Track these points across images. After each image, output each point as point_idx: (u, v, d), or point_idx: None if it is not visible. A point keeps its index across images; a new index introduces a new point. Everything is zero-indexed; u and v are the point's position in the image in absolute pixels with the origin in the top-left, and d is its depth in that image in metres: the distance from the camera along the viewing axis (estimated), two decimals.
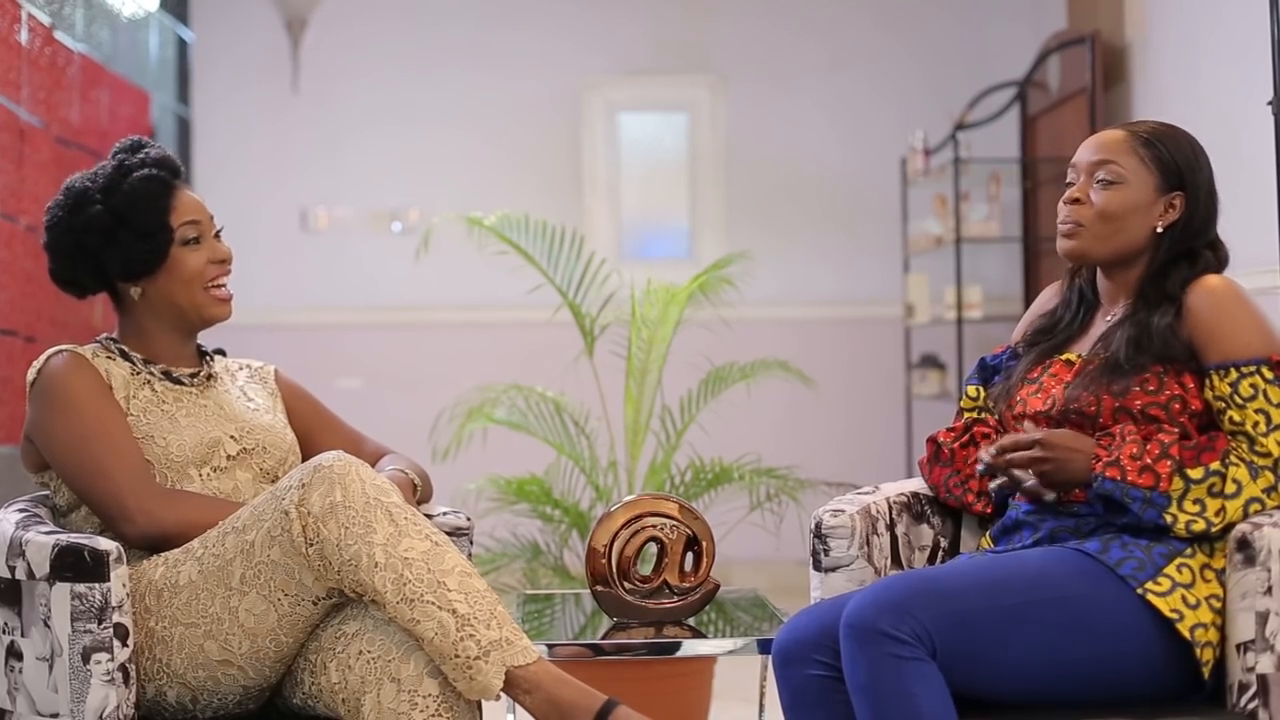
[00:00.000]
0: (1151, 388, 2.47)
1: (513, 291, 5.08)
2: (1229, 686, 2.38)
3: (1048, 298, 2.78)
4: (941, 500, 2.75)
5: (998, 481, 2.55)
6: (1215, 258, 2.58)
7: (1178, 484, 2.39)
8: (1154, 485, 2.39)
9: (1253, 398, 2.42)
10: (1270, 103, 3.60)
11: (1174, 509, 2.38)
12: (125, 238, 2.65)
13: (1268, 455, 2.40)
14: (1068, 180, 2.63)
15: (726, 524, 4.07)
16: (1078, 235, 2.58)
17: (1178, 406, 2.46)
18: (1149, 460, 2.40)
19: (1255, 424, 2.41)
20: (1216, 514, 2.38)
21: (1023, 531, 2.56)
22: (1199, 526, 2.38)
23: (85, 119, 5.46)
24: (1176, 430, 2.44)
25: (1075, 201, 2.58)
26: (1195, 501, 2.38)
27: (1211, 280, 2.52)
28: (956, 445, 2.74)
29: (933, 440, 2.77)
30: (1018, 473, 2.48)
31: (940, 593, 2.31)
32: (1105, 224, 2.56)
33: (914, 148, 6.64)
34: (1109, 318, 2.62)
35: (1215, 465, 2.39)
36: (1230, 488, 2.38)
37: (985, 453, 2.51)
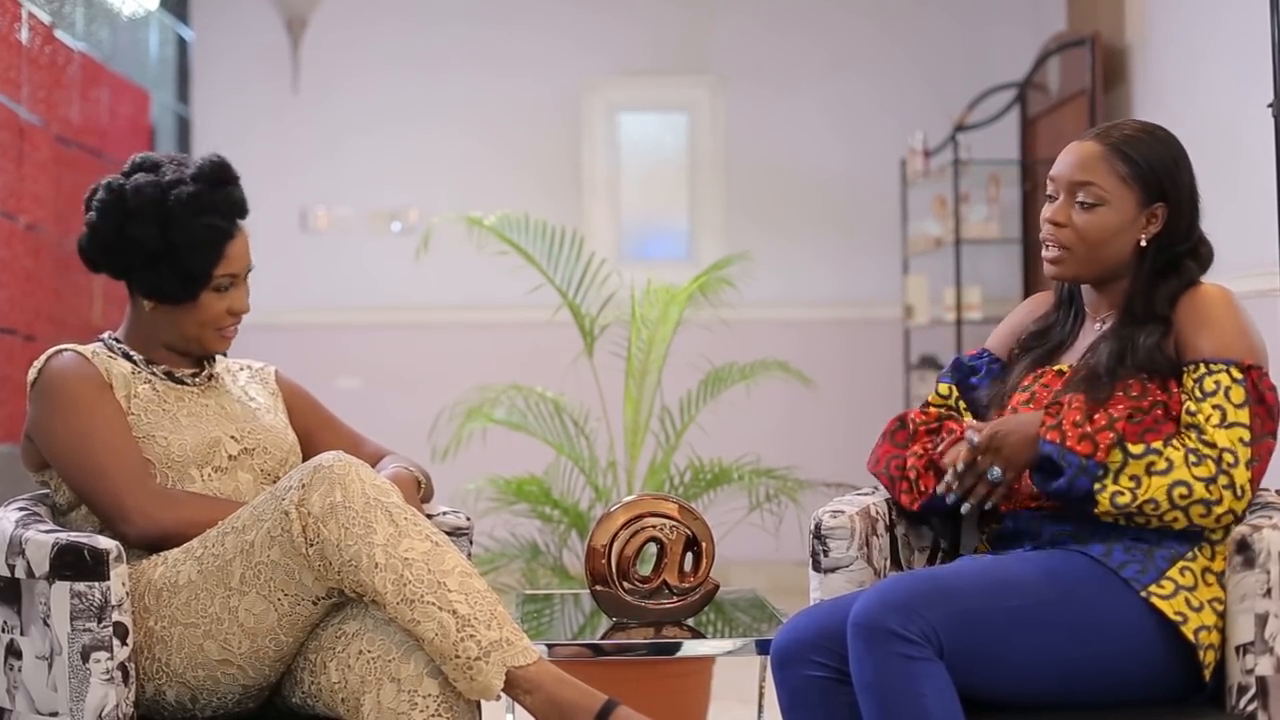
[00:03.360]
0: (1135, 393, 2.46)
1: (512, 292, 5.08)
2: (1228, 688, 2.38)
3: (1032, 307, 2.78)
4: (872, 475, 2.73)
5: (968, 505, 2.54)
6: (1198, 264, 2.56)
7: (1116, 456, 2.38)
8: (1091, 454, 2.38)
9: (1214, 393, 2.41)
10: (1270, 105, 3.60)
11: (1107, 480, 2.37)
12: (167, 270, 2.63)
13: (1213, 446, 2.38)
14: (1048, 193, 2.61)
15: (726, 524, 4.07)
16: (1063, 261, 2.57)
17: (1160, 413, 2.45)
18: (1090, 429, 2.40)
19: (1209, 417, 2.40)
20: (1145, 491, 2.37)
21: (1021, 540, 2.56)
22: (1124, 500, 2.37)
23: (85, 118, 5.46)
24: (1128, 407, 2.44)
25: (1056, 224, 2.57)
26: (1131, 478, 2.37)
27: (1204, 288, 2.52)
28: (923, 429, 2.71)
29: (900, 418, 2.73)
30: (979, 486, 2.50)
31: (947, 592, 2.32)
32: (1089, 248, 2.55)
33: (913, 149, 6.64)
34: (1096, 327, 2.62)
35: (1157, 444, 2.38)
36: (1161, 464, 2.37)
37: (945, 484, 2.52)
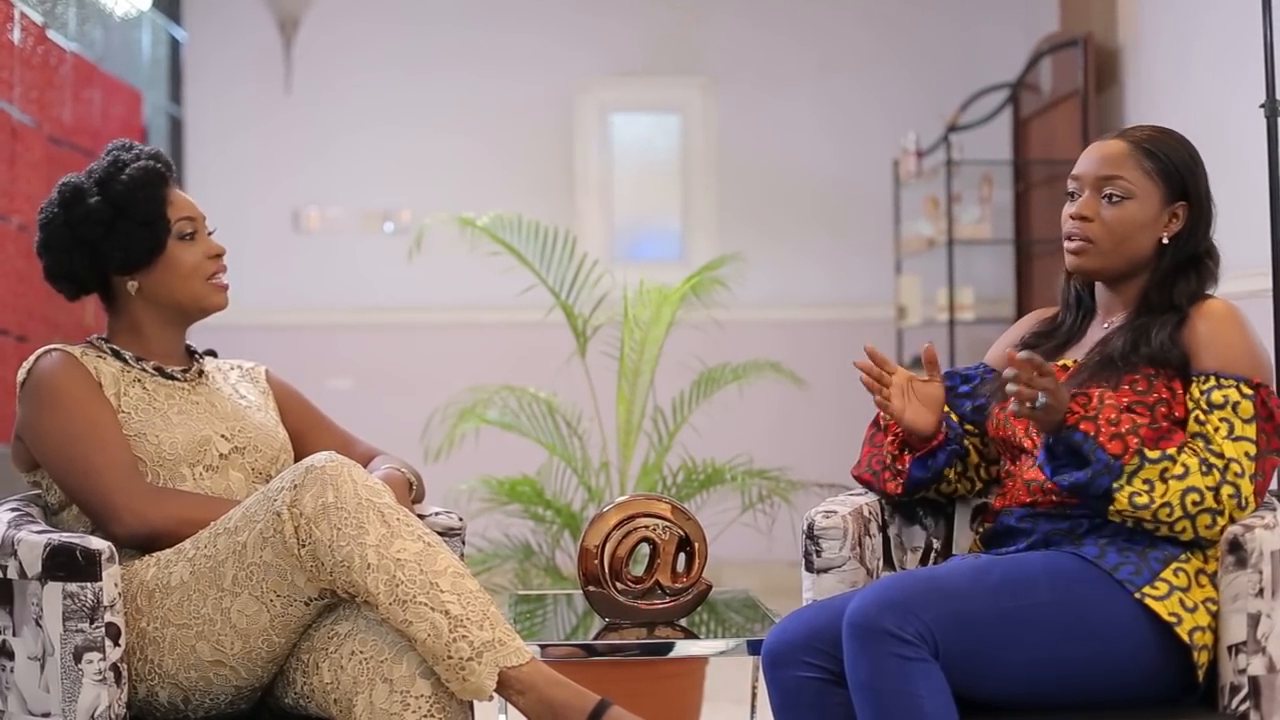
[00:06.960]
0: (1141, 388, 2.48)
1: (505, 292, 5.07)
2: (1220, 688, 2.39)
3: (1031, 323, 2.80)
4: (858, 480, 2.76)
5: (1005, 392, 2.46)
6: (1212, 263, 2.60)
7: (1134, 460, 2.39)
8: (1120, 455, 2.38)
9: (1221, 406, 2.43)
10: (1262, 105, 3.61)
11: (1123, 481, 2.38)
12: (125, 226, 2.65)
13: (1221, 456, 2.40)
14: (1069, 191, 2.62)
15: (718, 525, 4.07)
16: (1087, 252, 2.59)
17: (1163, 410, 2.47)
18: (1122, 429, 2.40)
19: (1216, 428, 2.42)
20: (1161, 495, 2.38)
21: (1016, 538, 2.56)
22: (1142, 500, 2.37)
23: (77, 118, 5.45)
24: (1132, 400, 2.46)
25: (1083, 219, 2.58)
26: (1145, 481, 2.38)
27: (1217, 305, 2.54)
28: (893, 423, 2.77)
29: (875, 421, 2.83)
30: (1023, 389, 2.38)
31: (943, 592, 2.32)
32: (1115, 241, 2.57)
33: (906, 149, 6.64)
34: (1106, 325, 2.63)
35: (1171, 451, 2.39)
36: (1178, 470, 2.38)
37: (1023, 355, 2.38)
